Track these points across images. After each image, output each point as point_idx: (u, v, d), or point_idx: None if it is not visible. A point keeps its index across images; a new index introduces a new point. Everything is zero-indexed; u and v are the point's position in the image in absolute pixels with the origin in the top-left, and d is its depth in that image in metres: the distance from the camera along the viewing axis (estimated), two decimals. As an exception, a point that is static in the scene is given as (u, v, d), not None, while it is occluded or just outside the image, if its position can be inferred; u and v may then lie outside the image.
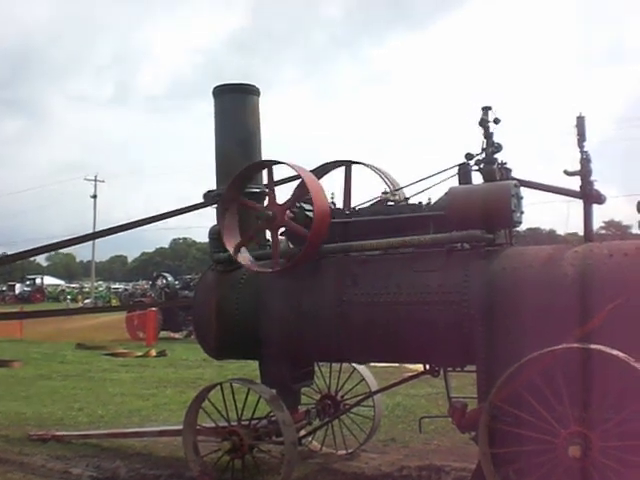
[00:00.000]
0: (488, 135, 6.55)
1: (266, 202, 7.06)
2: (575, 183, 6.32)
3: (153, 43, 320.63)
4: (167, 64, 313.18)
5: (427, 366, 7.14)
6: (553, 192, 6.67)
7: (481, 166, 6.53)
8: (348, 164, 7.83)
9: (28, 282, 77.31)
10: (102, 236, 11.08)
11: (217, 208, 7.47)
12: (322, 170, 7.80)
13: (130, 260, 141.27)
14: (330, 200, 7.34)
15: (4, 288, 75.91)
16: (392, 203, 7.21)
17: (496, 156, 6.55)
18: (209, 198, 7.90)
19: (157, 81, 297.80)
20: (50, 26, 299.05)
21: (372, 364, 9.41)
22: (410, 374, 8.38)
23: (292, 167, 6.74)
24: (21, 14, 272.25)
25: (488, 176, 6.44)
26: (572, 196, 6.45)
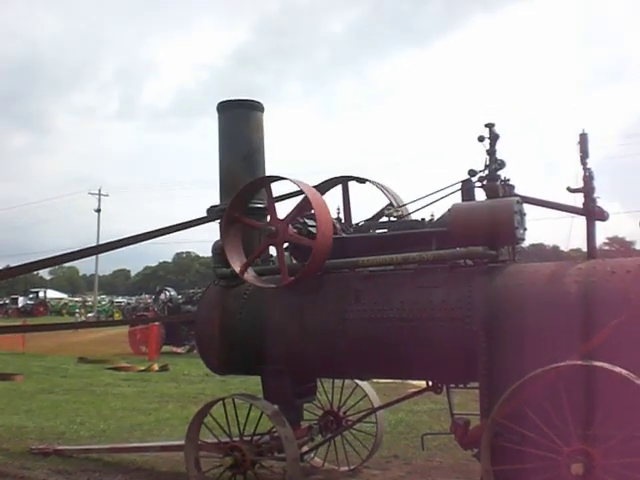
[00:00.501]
0: (491, 152, 6.57)
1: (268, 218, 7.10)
2: (578, 199, 6.33)
3: (158, 58, 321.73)
4: (172, 79, 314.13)
5: (430, 382, 7.14)
6: (556, 209, 6.68)
7: (484, 182, 6.55)
8: (351, 180, 7.88)
9: (31, 295, 77.29)
10: (106, 250, 11.12)
11: (220, 223, 7.49)
12: (325, 186, 7.83)
13: (133, 274, 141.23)
14: (336, 216, 7.38)
15: (7, 301, 75.86)
16: (395, 219, 7.22)
17: (499, 172, 6.57)
18: (213, 213, 7.92)
19: (162, 96, 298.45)
20: (56, 41, 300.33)
21: (375, 380, 9.39)
22: (413, 390, 8.38)
23: (295, 183, 6.75)
24: (27, 29, 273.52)
25: (491, 192, 6.45)
26: (575, 213, 6.46)
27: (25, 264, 11.49)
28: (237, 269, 6.99)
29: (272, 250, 7.24)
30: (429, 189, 6.86)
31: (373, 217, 7.70)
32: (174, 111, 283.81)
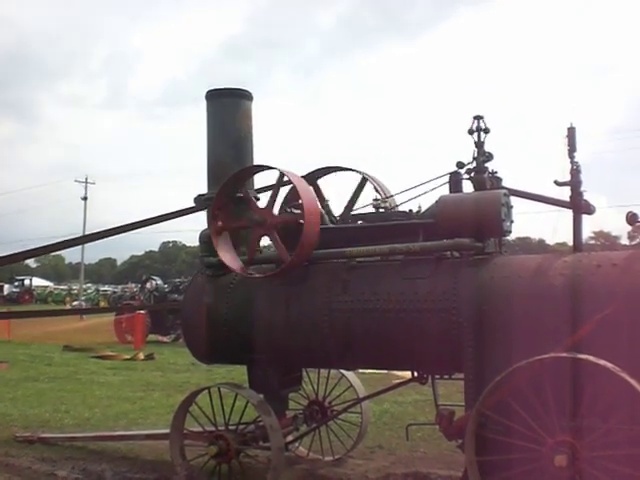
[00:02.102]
0: (479, 144, 6.58)
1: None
2: (565, 193, 6.35)
3: (147, 48, 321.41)
4: (161, 69, 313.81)
5: (415, 373, 7.16)
6: (543, 202, 6.70)
7: (472, 175, 6.56)
8: (340, 171, 7.87)
9: (17, 283, 76.83)
10: (93, 240, 11.04)
11: (207, 212, 7.47)
12: (313, 176, 7.82)
13: (119, 263, 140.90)
14: (326, 205, 7.39)
15: (-8, 289, 75.43)
16: (383, 210, 7.22)
17: (487, 165, 6.58)
18: (200, 202, 7.89)
19: (151, 86, 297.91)
20: (44, 29, 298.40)
21: (360, 371, 9.42)
22: (398, 381, 8.40)
23: (283, 172, 6.74)
24: (15, 17, 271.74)
25: (478, 185, 6.47)
26: (562, 206, 6.48)
27: (11, 254, 11.41)
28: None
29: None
30: (417, 181, 6.88)
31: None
32: (163, 101, 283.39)
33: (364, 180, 7.76)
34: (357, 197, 7.75)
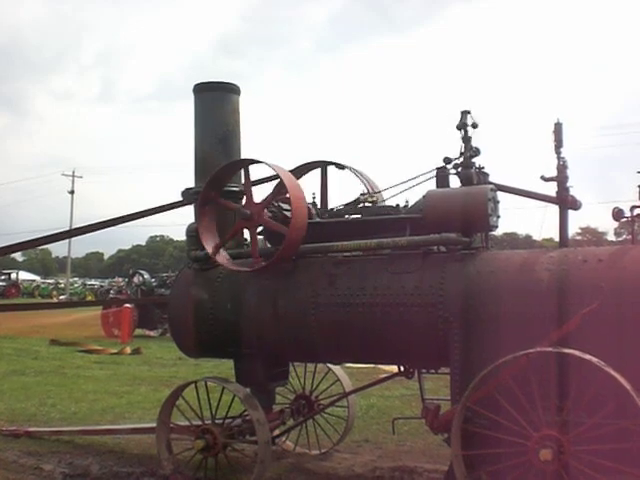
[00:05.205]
0: (466, 139, 6.59)
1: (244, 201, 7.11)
2: (551, 189, 6.38)
3: (140, 43, 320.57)
4: (154, 64, 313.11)
5: (402, 368, 7.18)
6: (529, 197, 6.72)
7: (459, 170, 6.57)
8: (327, 165, 7.87)
9: (3, 277, 76.34)
10: (80, 234, 10.98)
11: (195, 206, 7.46)
12: (301, 170, 7.82)
13: (106, 257, 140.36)
14: (311, 200, 7.38)
15: (-22, 282, 74.89)
16: (370, 205, 7.22)
17: (474, 160, 6.59)
18: (187, 196, 7.87)
19: (143, 81, 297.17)
20: (37, 23, 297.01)
21: (347, 365, 9.43)
22: (384, 375, 8.41)
23: (271, 166, 6.74)
24: (7, 11, 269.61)
25: (465, 180, 6.48)
26: (548, 201, 6.51)
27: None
28: (209, 250, 6.98)
29: (247, 234, 7.22)
30: (405, 175, 6.89)
31: (349, 203, 7.70)
32: (155, 96, 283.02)
33: (325, 168, 7.76)
34: (326, 187, 7.74)
